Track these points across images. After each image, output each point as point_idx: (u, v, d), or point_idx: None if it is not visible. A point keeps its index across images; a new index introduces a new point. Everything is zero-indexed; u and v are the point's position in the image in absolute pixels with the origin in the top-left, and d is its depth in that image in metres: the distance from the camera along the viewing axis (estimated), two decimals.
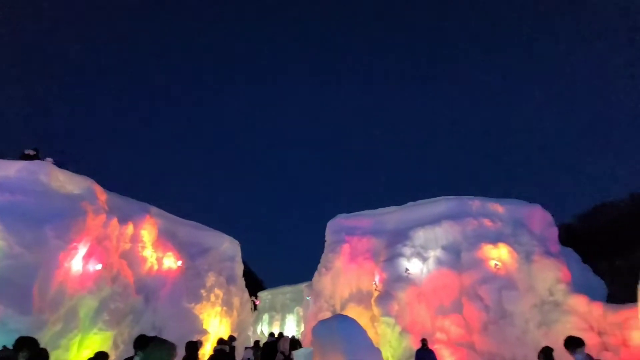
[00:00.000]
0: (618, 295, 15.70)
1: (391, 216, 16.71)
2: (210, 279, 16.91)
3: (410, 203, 16.71)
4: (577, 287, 15.42)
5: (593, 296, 15.04)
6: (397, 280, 14.69)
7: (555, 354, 5.93)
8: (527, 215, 17.07)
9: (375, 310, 14.70)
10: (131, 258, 13.94)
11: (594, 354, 14.27)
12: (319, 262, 18.11)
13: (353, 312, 16.54)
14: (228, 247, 19.24)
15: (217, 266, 17.72)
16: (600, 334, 14.15)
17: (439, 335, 14.40)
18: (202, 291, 16.25)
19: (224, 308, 17.15)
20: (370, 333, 16.20)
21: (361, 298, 16.41)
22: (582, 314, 14.42)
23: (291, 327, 28.07)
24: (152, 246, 15.14)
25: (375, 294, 15.13)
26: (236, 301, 18.40)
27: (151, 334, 10.60)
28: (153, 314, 14.14)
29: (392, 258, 15.25)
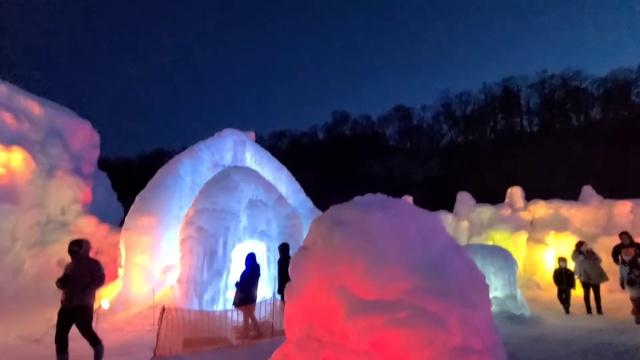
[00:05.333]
0: None
1: None
2: None
3: None
4: (96, 209, 15.40)
5: (108, 219, 15.54)
6: None
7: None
8: (71, 128, 15.15)
9: None
10: None
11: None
12: None
13: None
14: None
15: None
16: (97, 253, 14.83)
17: None
18: None
19: None
20: None
21: None
22: (87, 235, 14.40)
23: None
24: None
25: None
26: None
27: None
28: None
29: None
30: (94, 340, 5.74)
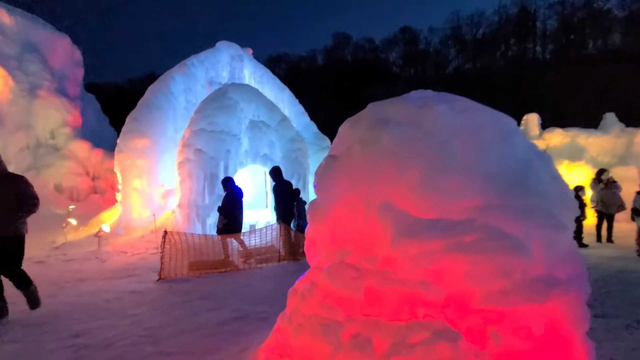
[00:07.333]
0: None
1: None
2: None
3: None
4: (87, 134, 14.65)
5: (101, 144, 14.87)
6: None
7: None
8: (49, 43, 13.70)
9: None
10: None
11: (84, 195, 14.56)
12: None
13: None
14: None
15: None
16: (94, 178, 14.46)
17: None
18: None
19: None
20: None
21: None
22: (81, 159, 13.94)
23: None
24: None
25: None
26: None
27: None
28: None
29: None
30: (24, 281, 4.22)
